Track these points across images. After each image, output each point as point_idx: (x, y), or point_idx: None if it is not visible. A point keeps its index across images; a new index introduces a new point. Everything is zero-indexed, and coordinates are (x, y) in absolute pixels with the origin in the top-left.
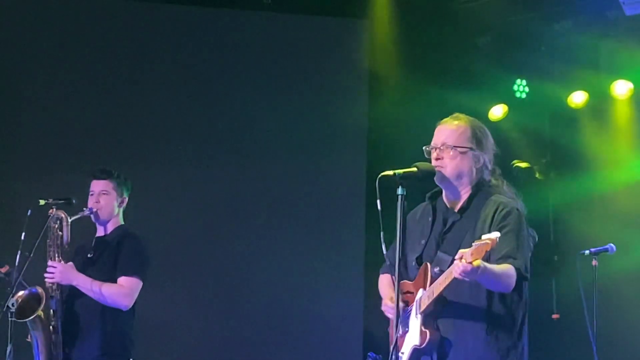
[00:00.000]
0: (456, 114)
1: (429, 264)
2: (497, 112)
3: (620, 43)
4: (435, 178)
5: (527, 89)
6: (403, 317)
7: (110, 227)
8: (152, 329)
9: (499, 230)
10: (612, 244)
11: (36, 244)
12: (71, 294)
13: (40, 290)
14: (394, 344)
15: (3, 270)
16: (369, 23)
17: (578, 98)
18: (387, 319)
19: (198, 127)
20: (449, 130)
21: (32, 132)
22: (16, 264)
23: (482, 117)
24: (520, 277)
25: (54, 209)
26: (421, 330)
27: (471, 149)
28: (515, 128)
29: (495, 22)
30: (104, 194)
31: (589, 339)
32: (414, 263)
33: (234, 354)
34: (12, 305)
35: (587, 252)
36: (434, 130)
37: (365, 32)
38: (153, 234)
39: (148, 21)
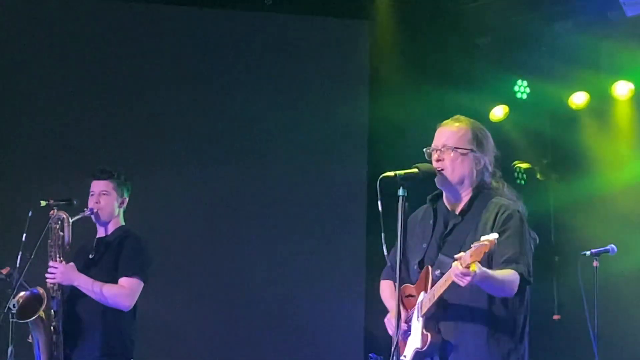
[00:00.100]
0: (457, 116)
1: (430, 267)
2: (498, 112)
3: (621, 44)
4: (435, 181)
5: (528, 90)
6: (404, 320)
7: (111, 228)
8: (153, 330)
9: (501, 233)
10: (613, 245)
11: (37, 245)
12: (72, 294)
13: (41, 291)
14: (395, 347)
15: (4, 271)
16: (370, 24)
17: (579, 99)
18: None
19: (199, 128)
20: (450, 132)
21: (32, 133)
22: (17, 264)
23: (483, 117)
24: (524, 282)
25: (55, 210)
26: (422, 333)
27: (472, 150)
28: (516, 129)
29: (496, 22)
30: (104, 194)
31: (590, 340)
32: (415, 267)
33: (235, 355)
34: (14, 306)
35: (588, 253)
36: (434, 132)
37: (366, 33)
38: (154, 235)
39: (149, 22)
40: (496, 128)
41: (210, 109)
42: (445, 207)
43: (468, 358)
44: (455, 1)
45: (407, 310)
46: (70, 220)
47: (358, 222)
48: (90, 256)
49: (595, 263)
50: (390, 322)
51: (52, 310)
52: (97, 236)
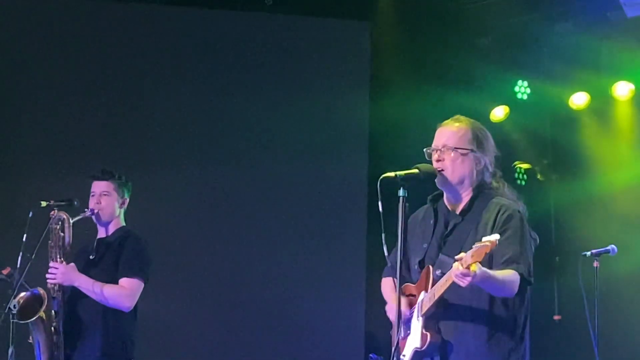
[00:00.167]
0: (457, 116)
1: (430, 267)
2: (499, 113)
3: (621, 44)
4: (436, 181)
5: (528, 90)
6: (405, 320)
7: (112, 228)
8: (153, 330)
9: (501, 233)
10: (613, 246)
11: (38, 246)
12: (73, 295)
13: (41, 291)
14: (395, 346)
15: (5, 271)
16: (370, 25)
17: (579, 99)
18: (390, 321)
19: (199, 129)
20: (450, 132)
21: (33, 134)
22: (18, 265)
23: (484, 118)
24: (524, 282)
25: (56, 210)
26: (422, 332)
27: (472, 150)
28: (516, 129)
29: (496, 23)
30: (105, 195)
31: (591, 340)
32: (416, 267)
33: (235, 355)
34: (14, 306)
35: (588, 253)
36: (435, 132)
37: (367, 33)
38: (154, 235)
39: (149, 23)
40: (497, 128)
41: (210, 109)
42: (446, 207)
43: (468, 358)
44: (456, 2)
45: (408, 307)
46: (71, 221)
47: (358, 222)
48: (91, 257)
49: (595, 263)
50: (392, 309)
51: (53, 311)
52: (98, 237)
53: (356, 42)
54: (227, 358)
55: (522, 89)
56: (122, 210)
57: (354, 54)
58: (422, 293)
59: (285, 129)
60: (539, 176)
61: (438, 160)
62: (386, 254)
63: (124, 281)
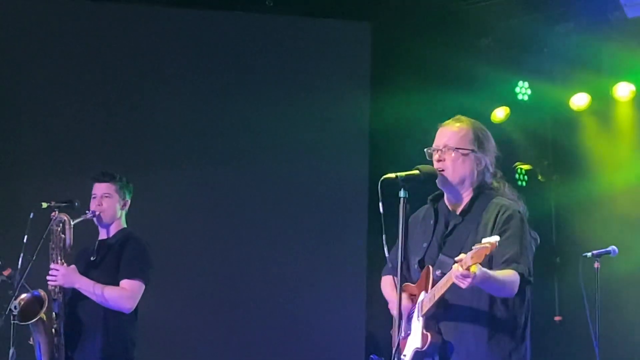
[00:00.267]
0: (458, 116)
1: (431, 267)
2: (500, 114)
3: (622, 45)
4: (437, 181)
5: (529, 91)
6: (405, 320)
7: (113, 230)
8: (154, 332)
9: (501, 234)
10: (614, 246)
11: (39, 247)
12: (73, 296)
13: (42, 293)
14: (396, 346)
15: (5, 273)
16: (371, 25)
17: (580, 100)
18: (390, 321)
19: (200, 130)
20: (451, 132)
21: (34, 135)
22: (19, 266)
23: (485, 119)
24: (524, 282)
25: (57, 212)
26: (423, 333)
27: (473, 150)
28: (517, 130)
29: (497, 24)
30: (106, 196)
31: (592, 341)
32: (416, 266)
33: (236, 356)
34: (15, 308)
35: (589, 254)
36: (436, 133)
37: (368, 34)
38: (155, 237)
39: (150, 24)
40: (497, 129)
41: (210, 109)
42: (446, 207)
43: (469, 358)
44: (457, 2)
45: (410, 302)
46: (72, 223)
47: (359, 223)
48: (92, 258)
49: (596, 264)
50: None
51: (54, 313)
52: (99, 238)
53: (357, 43)
54: (227, 358)
55: (523, 89)
56: (124, 212)
57: (354, 54)
58: (422, 293)
59: (286, 129)
60: (539, 177)
61: (439, 161)
62: (387, 254)
63: (124, 283)
